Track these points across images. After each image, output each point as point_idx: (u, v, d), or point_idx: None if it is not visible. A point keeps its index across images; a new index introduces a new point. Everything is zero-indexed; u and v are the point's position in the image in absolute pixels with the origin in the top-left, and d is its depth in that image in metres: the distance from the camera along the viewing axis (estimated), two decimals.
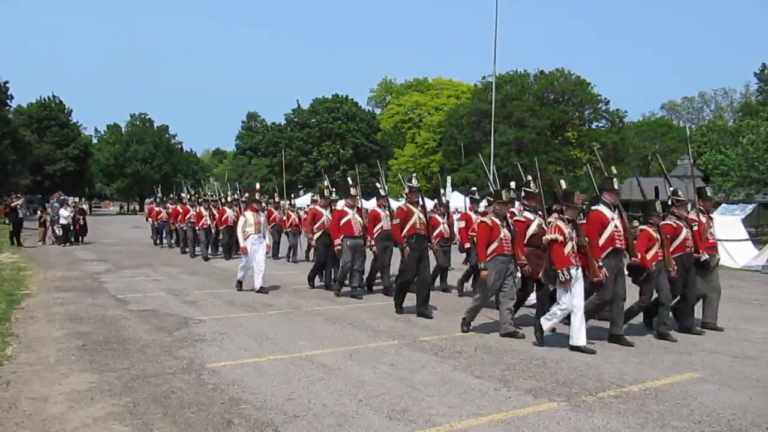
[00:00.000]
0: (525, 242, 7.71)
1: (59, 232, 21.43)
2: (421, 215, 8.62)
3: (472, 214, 10.73)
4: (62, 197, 23.31)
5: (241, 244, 10.49)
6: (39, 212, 24.64)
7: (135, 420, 4.33)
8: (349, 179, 10.81)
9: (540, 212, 7.84)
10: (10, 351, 6.23)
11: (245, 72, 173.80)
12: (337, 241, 9.95)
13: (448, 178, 31.41)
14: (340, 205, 10.58)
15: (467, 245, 10.40)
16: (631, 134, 56.01)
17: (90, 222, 25.79)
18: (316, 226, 10.98)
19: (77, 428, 4.18)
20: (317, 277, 11.23)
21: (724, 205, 21.92)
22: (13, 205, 21.57)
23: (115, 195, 77.30)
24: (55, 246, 20.95)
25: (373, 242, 10.26)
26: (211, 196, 18.38)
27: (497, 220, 7.26)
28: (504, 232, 7.23)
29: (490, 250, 7.16)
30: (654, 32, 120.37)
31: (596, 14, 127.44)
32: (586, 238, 6.73)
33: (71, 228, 21.79)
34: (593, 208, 7.18)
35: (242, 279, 10.75)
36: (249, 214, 10.67)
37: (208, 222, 16.78)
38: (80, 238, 22.48)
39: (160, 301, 9.47)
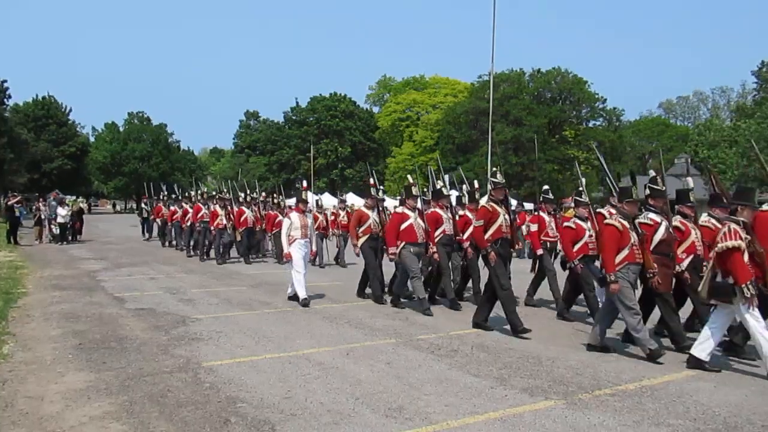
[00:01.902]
0: (651, 249, 6.55)
1: (56, 230, 21.40)
2: (507, 216, 7.53)
3: (544, 215, 9.68)
4: (60, 196, 23.20)
5: (285, 249, 9.35)
6: (33, 207, 24.55)
7: (131, 419, 4.32)
8: (410, 178, 9.42)
9: (666, 214, 6.86)
10: (7, 350, 6.22)
11: (243, 70, 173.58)
12: (393, 249, 8.81)
13: (446, 177, 31.36)
14: (391, 205, 10.11)
15: (539, 251, 9.36)
16: (628, 133, 56.15)
17: (87, 220, 25.78)
18: (361, 229, 9.76)
19: (74, 427, 4.17)
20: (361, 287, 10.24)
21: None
22: (9, 203, 21.52)
23: (112, 194, 77.09)
24: (52, 244, 20.91)
25: (434, 248, 9.07)
26: (227, 194, 16.93)
27: (626, 223, 6.26)
28: (634, 237, 6.27)
29: (619, 258, 6.15)
30: (652, 31, 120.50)
31: (593, 13, 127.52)
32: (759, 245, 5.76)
33: (68, 226, 21.75)
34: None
35: (297, 291, 9.27)
36: (295, 216, 9.51)
37: (224, 222, 15.32)
38: (75, 236, 22.41)
39: (158, 300, 9.46)
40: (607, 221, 6.43)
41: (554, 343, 6.89)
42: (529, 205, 23.01)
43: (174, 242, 19.82)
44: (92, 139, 71.96)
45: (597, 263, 7.66)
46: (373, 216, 9.78)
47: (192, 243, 17.15)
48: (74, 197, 40.83)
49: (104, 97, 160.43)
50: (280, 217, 14.90)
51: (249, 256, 15.65)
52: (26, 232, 23.21)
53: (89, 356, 6.01)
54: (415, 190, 9.08)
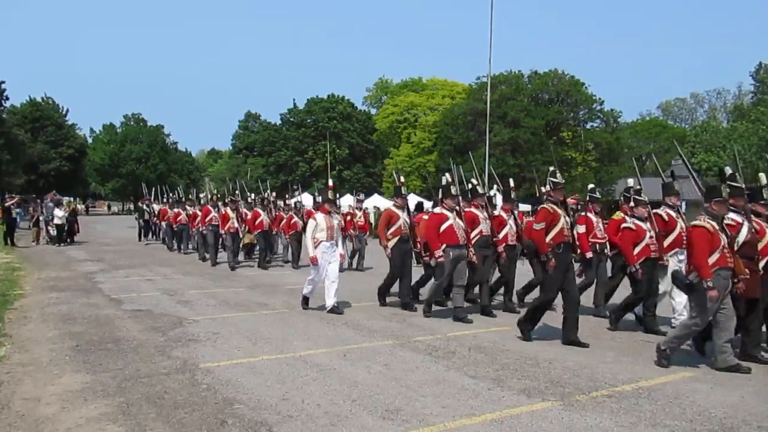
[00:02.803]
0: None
1: (53, 232, 21.36)
2: (567, 218, 7.06)
3: (592, 216, 9.11)
4: (57, 197, 23.16)
5: (310, 253, 8.70)
6: (31, 209, 24.50)
7: (128, 420, 4.32)
8: (448, 176, 8.73)
9: (747, 213, 6.49)
10: (3, 351, 6.21)
11: (240, 72, 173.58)
12: (440, 252, 8.15)
13: (444, 178, 31.37)
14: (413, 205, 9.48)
15: (589, 254, 8.59)
16: (625, 134, 56.19)
17: (85, 222, 25.72)
18: (391, 231, 9.18)
19: (70, 429, 4.17)
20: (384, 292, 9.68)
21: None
22: (6, 205, 21.49)
23: (109, 195, 77.00)
24: (49, 246, 20.88)
25: (473, 251, 8.46)
26: (238, 195, 16.39)
27: (716, 224, 5.91)
28: (724, 239, 5.90)
29: (711, 262, 5.79)
30: (649, 33, 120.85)
31: (590, 15, 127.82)
32: None
33: (65, 228, 21.72)
34: None
35: (309, 295, 9.03)
36: (321, 217, 8.81)
37: (236, 225, 14.57)
38: (69, 238, 22.35)
39: (155, 301, 9.45)
40: (695, 223, 6.04)
41: (551, 345, 6.90)
42: (524, 206, 22.92)
43: (179, 246, 19.13)
44: (90, 141, 71.86)
45: (679, 267, 7.23)
46: (403, 216, 9.25)
47: (196, 246, 16.80)
48: (71, 199, 40.71)
49: (101, 98, 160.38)
50: (295, 218, 14.66)
51: (265, 260, 14.88)
52: (23, 234, 23.18)
53: (86, 358, 6.01)
54: (454, 190, 8.47)
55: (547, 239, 6.85)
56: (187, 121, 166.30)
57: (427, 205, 16.96)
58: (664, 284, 7.69)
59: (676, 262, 7.59)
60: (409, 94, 60.14)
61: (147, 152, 69.62)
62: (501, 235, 9.01)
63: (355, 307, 9.22)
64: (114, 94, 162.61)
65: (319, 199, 11.74)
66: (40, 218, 21.84)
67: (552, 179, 7.16)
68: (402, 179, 9.35)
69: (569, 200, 8.79)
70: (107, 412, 4.48)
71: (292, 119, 66.01)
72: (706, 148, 34.21)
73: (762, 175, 6.83)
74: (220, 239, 15.34)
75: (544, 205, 7.09)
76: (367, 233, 15.12)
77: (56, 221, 21.18)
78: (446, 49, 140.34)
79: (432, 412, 4.55)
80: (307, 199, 22.76)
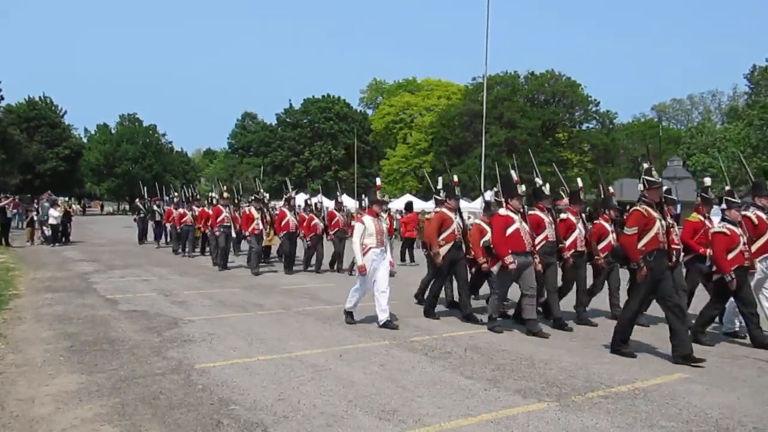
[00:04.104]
0: None
1: (48, 232, 21.29)
2: (663, 222, 6.39)
3: (709, 218, 8.27)
4: (52, 197, 23.04)
5: (359, 261, 7.75)
6: (27, 210, 24.42)
7: (123, 421, 4.30)
8: (513, 174, 8.01)
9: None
10: None
11: (236, 72, 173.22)
12: (510, 258, 7.33)
13: (439, 179, 31.42)
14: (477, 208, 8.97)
15: (601, 261, 8.30)
16: (621, 136, 56.39)
17: (80, 222, 25.62)
18: (443, 236, 8.26)
19: (65, 429, 4.15)
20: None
21: (714, 206, 22.16)
22: (1, 204, 21.40)
23: (105, 195, 76.80)
24: (44, 246, 20.80)
25: (538, 258, 7.71)
26: (262, 194, 15.23)
27: None
28: None
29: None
30: (645, 34, 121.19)
31: (586, 16, 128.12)
32: None
33: (60, 228, 21.63)
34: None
35: (354, 308, 8.07)
36: (369, 219, 7.88)
37: (260, 227, 13.70)
38: (65, 238, 22.27)
39: (150, 302, 9.42)
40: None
41: (547, 345, 6.90)
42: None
43: (184, 249, 18.00)
44: (85, 141, 71.69)
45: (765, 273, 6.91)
46: (456, 220, 8.38)
47: (212, 251, 15.80)
48: (66, 199, 40.60)
49: (97, 98, 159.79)
50: (316, 220, 13.91)
51: (292, 267, 13.91)
52: (18, 234, 23.09)
53: (81, 358, 5.98)
54: (521, 189, 7.73)
55: (639, 245, 6.26)
56: (183, 122, 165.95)
57: (423, 205, 16.86)
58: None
59: (763, 268, 7.17)
60: (405, 94, 60.31)
61: (142, 152, 69.48)
62: (569, 241, 8.23)
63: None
64: (109, 94, 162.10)
65: (366, 200, 10.59)
66: (35, 218, 21.77)
67: (647, 177, 6.45)
68: (456, 178, 8.59)
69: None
70: (102, 412, 4.47)
71: (288, 119, 66.00)
72: (701, 149, 34.34)
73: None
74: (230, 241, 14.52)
75: (637, 207, 6.38)
76: (392, 236, 14.41)
77: (51, 221, 21.11)
78: (442, 50, 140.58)
79: (428, 413, 4.55)
80: (300, 199, 22.43)
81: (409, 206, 17.74)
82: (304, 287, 11.55)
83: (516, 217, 7.56)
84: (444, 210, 8.46)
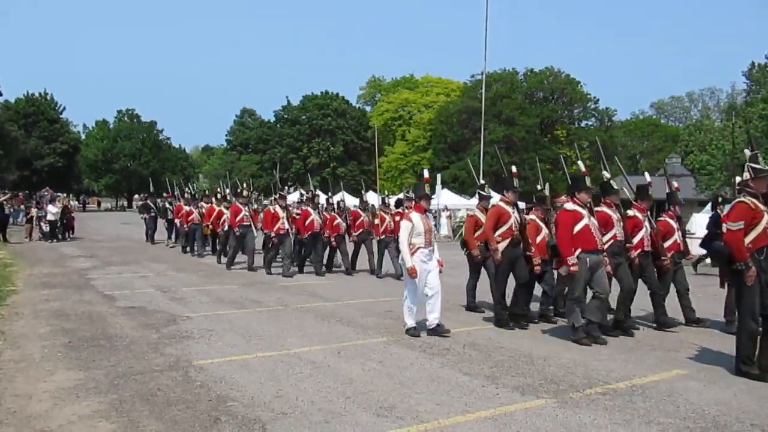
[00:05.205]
0: None
1: (46, 228, 21.26)
2: None
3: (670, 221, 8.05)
4: (53, 194, 23.01)
5: (408, 262, 7.04)
6: (27, 206, 24.37)
7: (121, 417, 4.29)
8: (580, 164, 7.48)
9: None
10: None
11: (234, 69, 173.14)
12: (573, 259, 6.70)
13: (438, 176, 31.42)
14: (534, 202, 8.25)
15: (666, 261, 7.78)
16: (619, 133, 56.44)
17: (80, 218, 25.58)
18: (499, 232, 7.62)
19: (62, 426, 4.14)
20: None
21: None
22: None
23: (103, 191, 76.65)
24: (42, 242, 20.78)
25: (607, 258, 7.08)
26: (287, 190, 14.62)
27: None
28: None
29: None
30: (644, 31, 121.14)
31: (585, 14, 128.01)
32: None
33: (58, 224, 21.61)
34: None
35: (413, 318, 7.22)
36: (417, 217, 7.18)
37: (286, 226, 12.86)
38: (67, 233, 22.23)
39: (148, 298, 9.41)
40: None
41: (546, 342, 6.91)
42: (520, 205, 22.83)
43: (192, 248, 17.20)
44: (83, 137, 71.53)
45: None
46: (514, 215, 7.70)
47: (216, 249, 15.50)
48: (64, 194, 40.43)
49: (96, 94, 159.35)
50: (338, 220, 13.16)
51: (321, 266, 13.21)
52: (16, 230, 23.04)
53: (78, 354, 5.98)
54: (588, 182, 7.12)
55: (746, 242, 5.58)
56: (181, 118, 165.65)
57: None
58: None
59: None
60: (404, 91, 60.21)
61: (140, 148, 69.33)
62: (635, 240, 7.65)
63: (349, 304, 9.20)
64: (108, 91, 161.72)
65: (411, 194, 9.69)
66: (34, 213, 21.74)
67: (753, 165, 5.74)
68: (514, 169, 7.95)
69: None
70: (100, 409, 4.46)
71: (286, 116, 65.88)
72: (700, 147, 34.35)
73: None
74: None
75: (742, 199, 5.71)
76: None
77: (49, 217, 21.08)
78: (440, 47, 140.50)
79: (426, 409, 4.55)
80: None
81: (399, 203, 17.58)
82: (302, 284, 11.54)
83: (585, 212, 6.91)
84: (501, 204, 7.77)
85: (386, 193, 20.55)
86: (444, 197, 29.54)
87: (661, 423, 4.38)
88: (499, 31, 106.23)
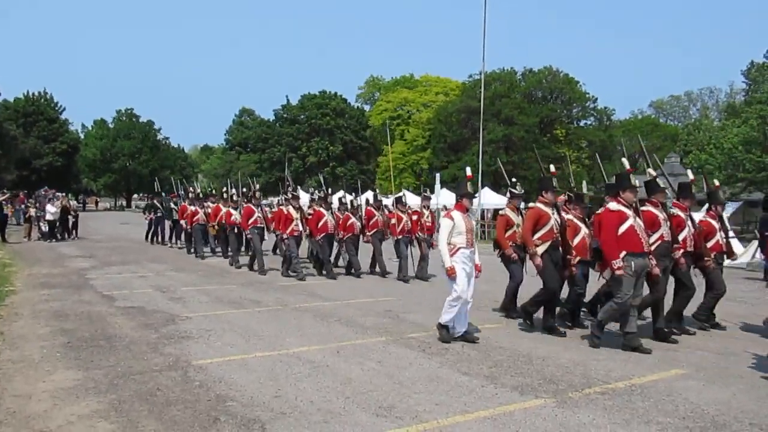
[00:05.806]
0: None
1: (45, 228, 21.22)
2: None
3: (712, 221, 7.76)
4: (53, 193, 22.95)
5: (447, 262, 6.73)
6: (24, 206, 24.34)
7: (120, 417, 4.29)
8: (625, 162, 7.05)
9: None
10: None
11: (233, 69, 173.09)
12: (618, 262, 6.31)
13: (437, 176, 31.42)
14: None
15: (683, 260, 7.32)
16: (618, 132, 56.37)
17: (79, 218, 25.49)
18: (539, 234, 7.21)
19: (61, 426, 4.14)
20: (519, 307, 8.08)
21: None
22: None
23: (101, 191, 76.57)
24: (41, 242, 20.75)
25: (654, 261, 6.67)
26: (299, 189, 13.88)
27: None
28: None
29: None
30: (643, 30, 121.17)
31: (583, 13, 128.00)
32: None
33: (57, 224, 21.58)
34: None
35: (452, 322, 6.83)
36: (458, 216, 6.87)
37: (300, 228, 12.42)
38: (71, 232, 22.17)
39: (147, 298, 9.41)
40: None
41: (545, 342, 6.91)
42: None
43: (196, 250, 16.58)
44: (82, 137, 71.44)
45: None
46: (554, 216, 7.31)
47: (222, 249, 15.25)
48: (64, 194, 40.36)
49: (94, 94, 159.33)
50: (352, 219, 12.74)
51: (330, 269, 12.64)
52: (15, 230, 23.01)
53: (78, 354, 5.97)
54: (635, 181, 6.62)
55: None
56: (180, 117, 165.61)
57: (417, 200, 16.31)
58: None
59: None
60: (403, 90, 60.21)
61: (139, 148, 69.25)
62: (679, 239, 7.30)
63: (348, 304, 9.20)
64: (107, 90, 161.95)
65: (454, 192, 8.66)
66: (32, 213, 21.71)
67: None
68: (553, 168, 7.63)
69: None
70: (99, 409, 4.46)
71: (285, 115, 65.84)
72: (699, 146, 34.38)
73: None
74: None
75: None
76: (434, 236, 12.86)
77: (48, 217, 21.05)
78: (439, 46, 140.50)
79: (425, 409, 4.55)
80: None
81: (398, 200, 17.50)
82: (301, 284, 11.53)
83: (630, 212, 6.51)
84: (539, 205, 7.37)
85: (387, 194, 20.31)
86: (443, 197, 29.54)
87: (660, 422, 4.38)
88: (498, 31, 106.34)
